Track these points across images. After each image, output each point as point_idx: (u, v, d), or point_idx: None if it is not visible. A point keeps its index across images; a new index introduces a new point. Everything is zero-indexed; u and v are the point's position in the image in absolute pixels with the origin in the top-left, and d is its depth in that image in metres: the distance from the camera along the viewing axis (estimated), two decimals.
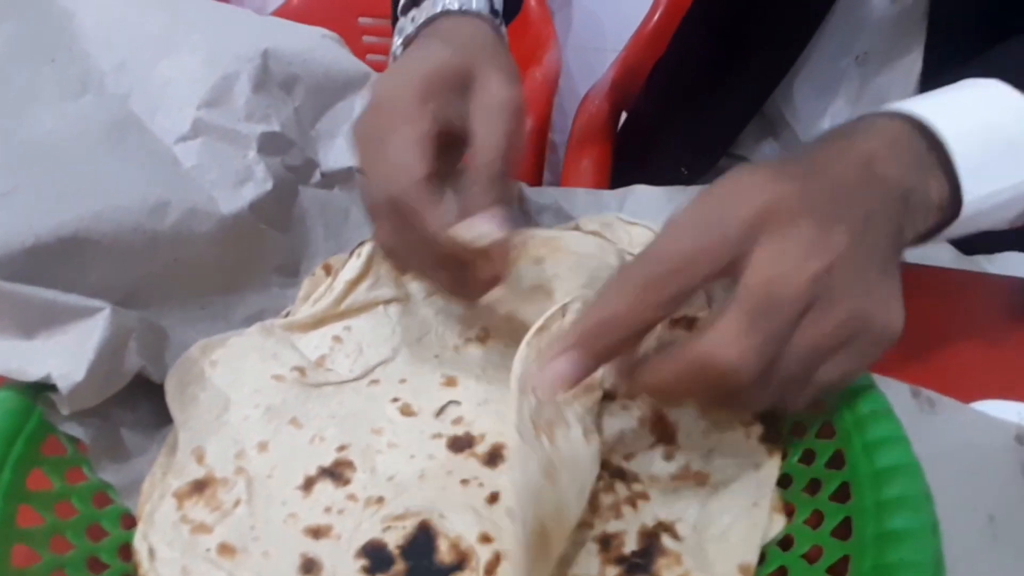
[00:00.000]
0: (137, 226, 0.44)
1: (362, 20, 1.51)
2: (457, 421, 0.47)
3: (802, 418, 0.44)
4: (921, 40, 0.76)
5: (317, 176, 0.57)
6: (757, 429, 0.44)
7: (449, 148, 0.45)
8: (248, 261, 0.52)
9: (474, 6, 0.53)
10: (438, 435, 0.46)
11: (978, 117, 0.44)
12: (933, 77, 0.63)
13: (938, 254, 0.83)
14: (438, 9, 0.52)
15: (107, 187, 0.44)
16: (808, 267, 0.35)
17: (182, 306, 0.48)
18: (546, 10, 1.44)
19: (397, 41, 0.55)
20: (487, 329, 0.53)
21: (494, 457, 0.44)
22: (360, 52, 1.49)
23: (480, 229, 0.41)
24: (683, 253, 0.36)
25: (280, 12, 1.43)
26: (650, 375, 0.37)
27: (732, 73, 0.91)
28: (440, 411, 0.48)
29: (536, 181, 1.16)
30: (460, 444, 0.45)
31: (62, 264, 0.41)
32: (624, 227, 0.58)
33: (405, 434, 0.46)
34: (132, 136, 0.48)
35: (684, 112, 0.98)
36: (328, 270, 0.55)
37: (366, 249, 0.53)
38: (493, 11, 0.54)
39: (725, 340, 0.34)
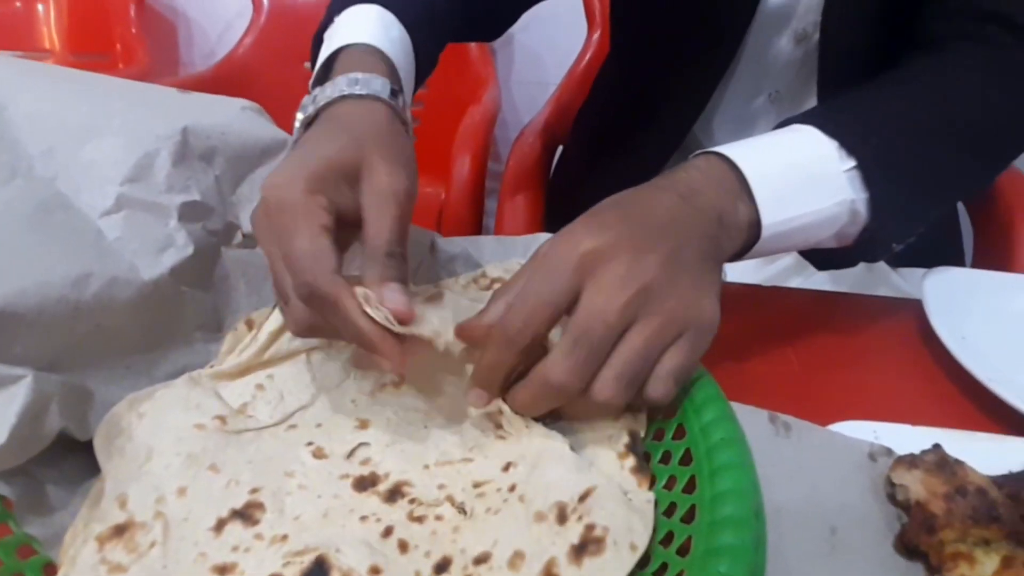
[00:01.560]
0: (60, 298, 0.49)
1: (308, 65, 1.55)
2: (365, 462, 0.51)
3: (670, 447, 0.49)
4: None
5: (239, 237, 0.62)
6: (631, 461, 0.48)
7: (344, 229, 0.51)
8: (171, 321, 0.56)
9: (375, 90, 0.57)
10: (346, 476, 0.50)
11: (781, 157, 0.57)
12: None
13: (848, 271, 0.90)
14: (337, 93, 0.56)
15: (32, 264, 0.48)
16: (619, 298, 0.46)
17: (106, 367, 0.53)
18: (486, 51, 1.51)
19: (299, 118, 0.58)
20: (401, 376, 0.57)
21: (394, 494, 0.48)
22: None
23: (390, 304, 0.48)
24: (529, 312, 0.47)
25: (227, 60, 1.49)
26: (516, 399, 0.50)
27: (649, 114, 0.96)
28: (351, 453, 0.52)
29: (476, 212, 1.22)
30: (364, 483, 0.49)
31: None
32: None
33: (315, 476, 0.50)
34: (58, 215, 0.52)
35: (609, 150, 1.04)
36: (250, 325, 0.60)
37: None
38: (392, 93, 0.58)
39: (553, 364, 0.47)
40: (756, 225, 0.55)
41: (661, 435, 0.50)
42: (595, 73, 1.14)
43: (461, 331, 0.50)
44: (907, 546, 0.47)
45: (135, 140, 0.56)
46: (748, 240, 0.56)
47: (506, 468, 0.50)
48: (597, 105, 1.11)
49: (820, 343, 0.68)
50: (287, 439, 0.53)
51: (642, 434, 0.50)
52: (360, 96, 0.56)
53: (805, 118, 0.58)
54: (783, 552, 0.45)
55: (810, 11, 0.79)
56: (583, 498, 0.45)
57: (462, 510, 0.48)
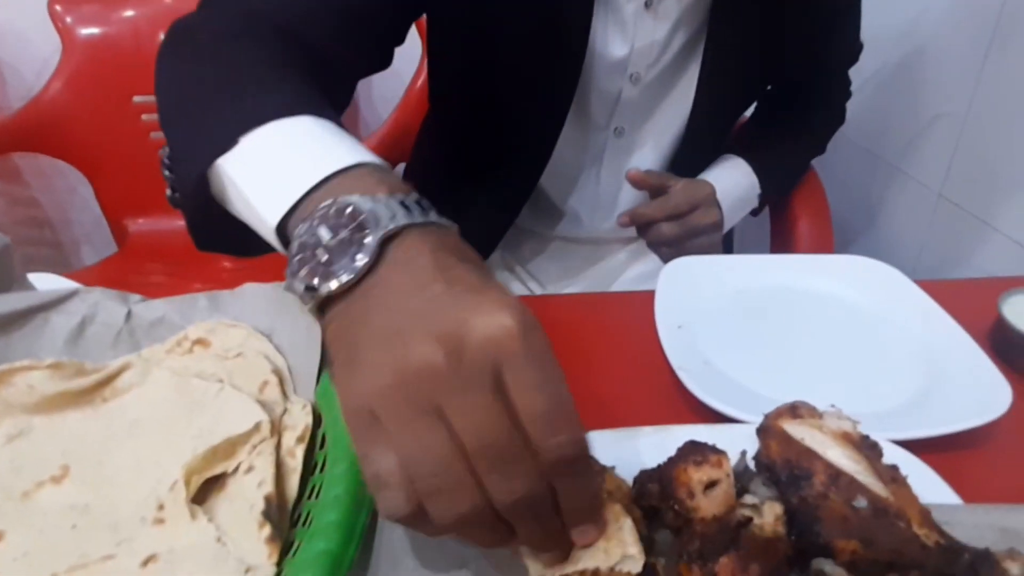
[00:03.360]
0: None
1: (137, 99, 1.47)
2: None
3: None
4: (663, 114, 0.97)
5: None
6: (266, 531, 0.43)
7: None
8: None
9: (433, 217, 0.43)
10: None
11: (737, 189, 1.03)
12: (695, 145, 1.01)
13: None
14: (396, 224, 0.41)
15: None
16: None
17: None
18: None
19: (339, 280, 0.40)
20: (68, 466, 0.49)
21: None
22: (142, 132, 1.45)
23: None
24: None
25: (34, 103, 1.39)
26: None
27: (489, 174, 0.99)
28: None
29: None
30: None
31: None
32: (226, 331, 0.56)
33: None
34: None
35: (457, 200, 0.97)
36: None
37: None
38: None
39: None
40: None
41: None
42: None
43: None
44: None
45: None
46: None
47: (146, 563, 0.43)
48: (432, 158, 1.11)
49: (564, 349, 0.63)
50: None
51: (294, 494, 0.46)
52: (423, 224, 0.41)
53: (747, 159, 1.04)
54: None
55: (641, 56, 0.90)
56: None
57: None
